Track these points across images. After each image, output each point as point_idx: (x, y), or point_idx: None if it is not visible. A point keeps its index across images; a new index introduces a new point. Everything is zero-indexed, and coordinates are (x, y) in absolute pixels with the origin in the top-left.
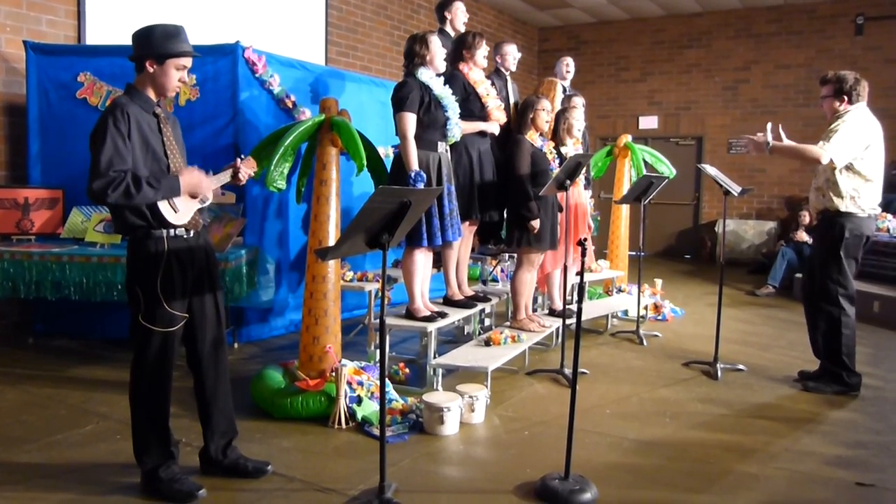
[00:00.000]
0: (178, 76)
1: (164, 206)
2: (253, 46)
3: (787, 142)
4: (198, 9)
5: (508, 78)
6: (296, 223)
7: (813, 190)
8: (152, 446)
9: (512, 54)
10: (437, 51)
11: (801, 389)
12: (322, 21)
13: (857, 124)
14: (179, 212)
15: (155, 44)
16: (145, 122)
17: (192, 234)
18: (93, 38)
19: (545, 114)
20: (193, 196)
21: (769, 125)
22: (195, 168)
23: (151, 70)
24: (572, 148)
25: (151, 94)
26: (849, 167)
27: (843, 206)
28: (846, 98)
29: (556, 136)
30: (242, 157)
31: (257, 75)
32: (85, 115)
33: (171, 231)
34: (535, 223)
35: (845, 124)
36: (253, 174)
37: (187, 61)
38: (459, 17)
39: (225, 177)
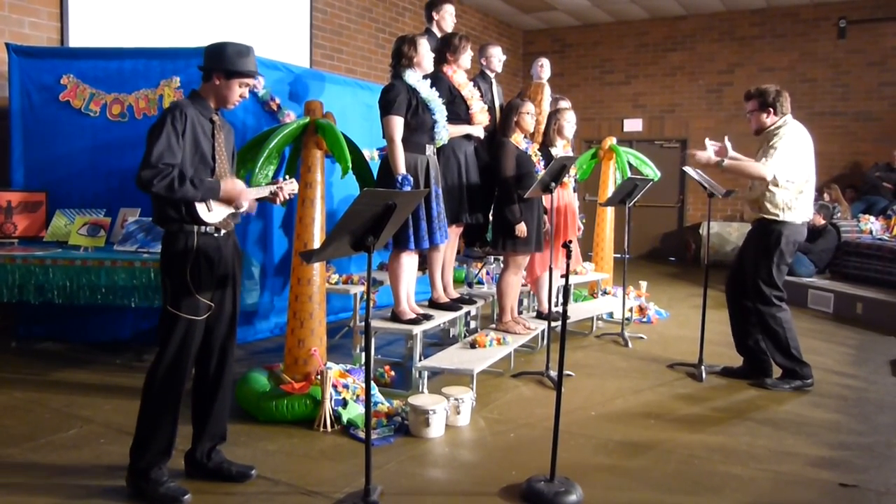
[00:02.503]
0: (239, 92)
1: (199, 203)
2: None
3: (732, 154)
4: (182, 11)
5: (493, 80)
6: (280, 226)
7: (747, 202)
8: (152, 443)
9: (497, 56)
10: (425, 53)
11: (756, 387)
12: (307, 23)
13: (792, 140)
14: (212, 211)
15: (226, 60)
16: (201, 125)
17: (222, 234)
18: (76, 40)
19: (529, 117)
20: (229, 203)
21: (707, 140)
22: (241, 185)
23: (217, 83)
24: (561, 150)
25: (212, 102)
26: (785, 181)
27: (781, 216)
28: (771, 110)
29: (546, 137)
30: (286, 177)
31: None
32: (68, 117)
33: (203, 228)
34: (521, 227)
35: (782, 141)
36: (290, 195)
37: (251, 80)
38: (447, 20)
39: (264, 191)
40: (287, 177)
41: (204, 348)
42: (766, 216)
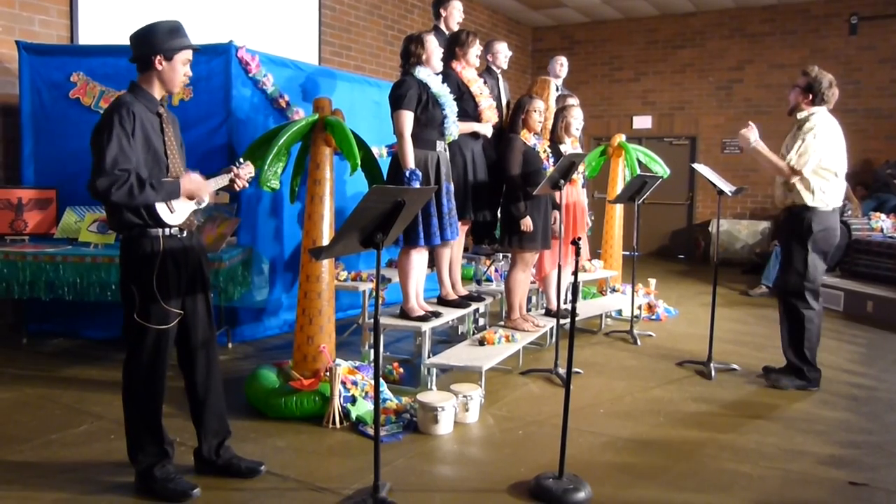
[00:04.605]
0: (183, 71)
1: (160, 205)
2: (246, 46)
3: (764, 149)
4: (191, 8)
5: (500, 76)
6: (290, 223)
7: (779, 185)
8: (146, 445)
9: (503, 52)
10: (434, 50)
11: (765, 385)
12: (315, 21)
13: (822, 135)
14: (175, 212)
15: (162, 40)
16: (149, 121)
17: (185, 234)
18: (85, 38)
19: (537, 114)
20: (191, 199)
21: (752, 126)
22: (196, 172)
23: (160, 67)
24: (570, 147)
25: (156, 92)
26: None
27: (811, 201)
28: (812, 97)
29: (554, 134)
30: (240, 161)
31: (251, 75)
32: (78, 115)
33: (167, 230)
34: (526, 222)
35: (813, 138)
36: (249, 180)
37: (191, 54)
38: (455, 16)
39: (223, 180)
40: (241, 160)
41: (186, 354)
42: (796, 202)
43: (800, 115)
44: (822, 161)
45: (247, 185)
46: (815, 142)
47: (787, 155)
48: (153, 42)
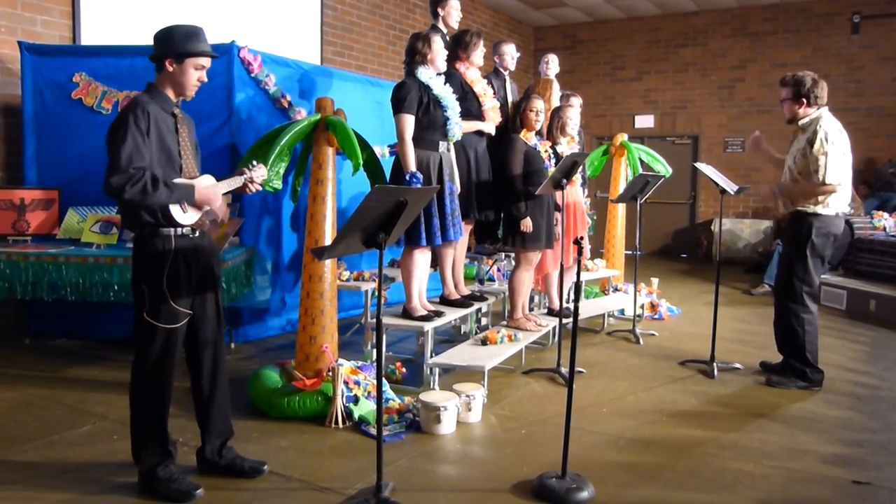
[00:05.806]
0: (196, 76)
1: (174, 205)
2: (248, 46)
3: (797, 190)
4: (193, 8)
5: (507, 77)
6: (292, 223)
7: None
8: (150, 445)
9: (510, 54)
10: (439, 50)
11: (763, 384)
12: (317, 21)
13: (837, 139)
14: (188, 212)
15: (175, 43)
16: (164, 121)
17: (197, 234)
18: (88, 38)
19: (534, 114)
20: (202, 207)
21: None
22: (212, 179)
23: (171, 69)
24: (566, 147)
25: (171, 93)
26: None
27: (812, 207)
28: (805, 101)
29: (550, 134)
30: (253, 164)
31: (253, 75)
32: (80, 115)
33: (179, 230)
34: (526, 223)
35: (833, 147)
36: (262, 183)
37: (206, 61)
38: (453, 15)
39: (235, 182)
40: (255, 162)
41: (194, 353)
42: (799, 208)
43: (801, 122)
44: (842, 173)
45: (260, 188)
46: (834, 149)
47: (794, 166)
48: (167, 44)
